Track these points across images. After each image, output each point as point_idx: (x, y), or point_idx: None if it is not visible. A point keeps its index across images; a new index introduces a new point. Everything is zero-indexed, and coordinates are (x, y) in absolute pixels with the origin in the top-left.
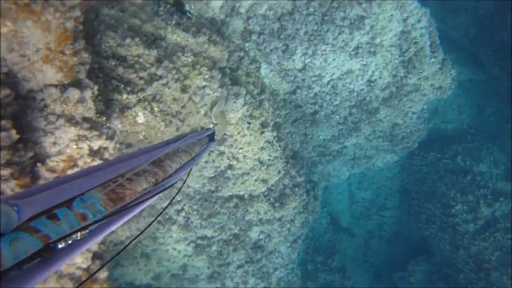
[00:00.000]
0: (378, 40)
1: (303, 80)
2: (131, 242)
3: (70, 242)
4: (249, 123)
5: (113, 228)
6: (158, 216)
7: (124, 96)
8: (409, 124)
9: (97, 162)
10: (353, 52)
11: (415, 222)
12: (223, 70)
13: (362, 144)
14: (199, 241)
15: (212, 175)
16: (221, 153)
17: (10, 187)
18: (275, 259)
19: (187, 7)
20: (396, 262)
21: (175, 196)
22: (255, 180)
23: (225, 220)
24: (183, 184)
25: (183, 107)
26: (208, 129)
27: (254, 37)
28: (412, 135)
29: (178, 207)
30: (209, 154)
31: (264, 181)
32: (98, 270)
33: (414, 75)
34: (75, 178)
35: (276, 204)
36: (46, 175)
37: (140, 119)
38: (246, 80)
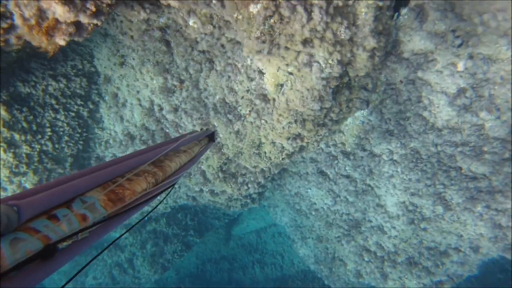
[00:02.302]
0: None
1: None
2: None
3: (70, 242)
4: (292, 122)
5: (113, 228)
6: (153, 209)
7: None
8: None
9: None
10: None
11: None
12: (344, 76)
13: (316, 232)
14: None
15: (225, 101)
16: (252, 107)
17: None
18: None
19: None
20: None
21: (165, 197)
22: (237, 147)
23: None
24: (176, 181)
25: (285, 48)
26: (207, 129)
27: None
28: None
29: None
30: (246, 87)
31: (240, 155)
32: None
33: None
34: (74, 179)
35: (221, 174)
36: None
37: (255, 9)
38: (342, 102)
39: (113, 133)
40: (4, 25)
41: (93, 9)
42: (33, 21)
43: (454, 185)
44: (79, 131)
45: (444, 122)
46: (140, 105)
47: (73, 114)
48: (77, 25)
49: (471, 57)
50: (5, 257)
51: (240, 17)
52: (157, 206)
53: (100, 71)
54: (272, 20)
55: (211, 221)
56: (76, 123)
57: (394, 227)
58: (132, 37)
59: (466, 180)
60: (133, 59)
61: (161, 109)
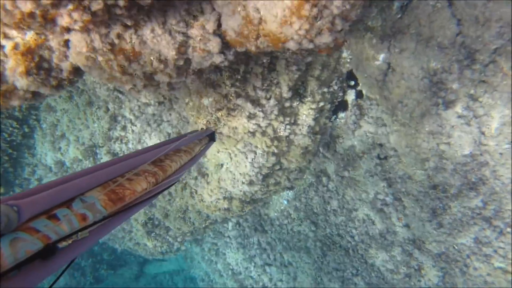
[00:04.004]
0: None
1: None
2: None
3: (70, 242)
4: (221, 198)
5: (113, 228)
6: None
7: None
8: None
9: None
10: None
11: None
12: (276, 165)
13: None
14: None
15: None
16: (185, 175)
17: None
18: None
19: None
20: None
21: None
22: (164, 208)
23: None
24: (176, 180)
25: (227, 136)
26: (208, 129)
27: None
28: None
29: None
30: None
31: (166, 216)
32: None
33: None
34: (74, 178)
35: (145, 228)
36: None
37: (206, 101)
38: (271, 184)
39: (43, 161)
40: None
41: (55, 84)
42: None
43: (360, 275)
44: (10, 151)
45: (364, 216)
46: (78, 141)
47: (6, 135)
48: (35, 93)
49: (391, 171)
50: (5, 257)
51: (191, 104)
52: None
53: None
54: (220, 113)
55: (126, 256)
56: (7, 145)
57: None
58: (84, 79)
59: (374, 271)
60: (80, 97)
61: (98, 153)
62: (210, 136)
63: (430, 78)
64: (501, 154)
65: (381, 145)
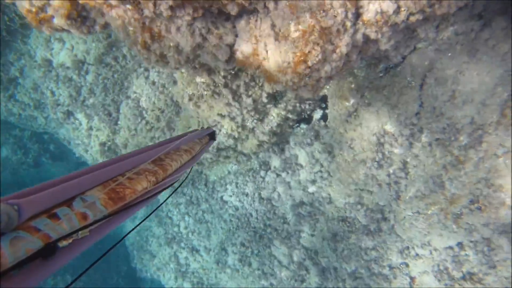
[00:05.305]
0: None
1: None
2: (127, 234)
3: (70, 241)
4: None
5: (113, 227)
6: (156, 209)
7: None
8: None
9: None
10: None
11: None
12: (231, 145)
13: None
14: None
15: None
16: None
17: None
18: None
19: None
20: None
21: (176, 188)
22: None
23: None
24: (186, 177)
25: (202, 109)
26: (208, 128)
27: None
28: None
29: None
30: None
31: None
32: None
33: None
34: (75, 177)
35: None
36: None
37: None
38: (221, 155)
39: (32, 53)
40: None
41: (85, 31)
42: (33, 10)
43: (259, 255)
44: (4, 34)
45: (282, 214)
46: (71, 50)
47: (6, 18)
48: (65, 29)
49: (323, 187)
50: (6, 256)
51: (185, 75)
52: (165, 201)
53: None
54: (206, 92)
55: (70, 154)
56: (4, 27)
57: None
58: None
59: (271, 259)
60: None
61: (87, 71)
62: (211, 135)
63: (379, 137)
64: (405, 217)
65: (322, 165)
